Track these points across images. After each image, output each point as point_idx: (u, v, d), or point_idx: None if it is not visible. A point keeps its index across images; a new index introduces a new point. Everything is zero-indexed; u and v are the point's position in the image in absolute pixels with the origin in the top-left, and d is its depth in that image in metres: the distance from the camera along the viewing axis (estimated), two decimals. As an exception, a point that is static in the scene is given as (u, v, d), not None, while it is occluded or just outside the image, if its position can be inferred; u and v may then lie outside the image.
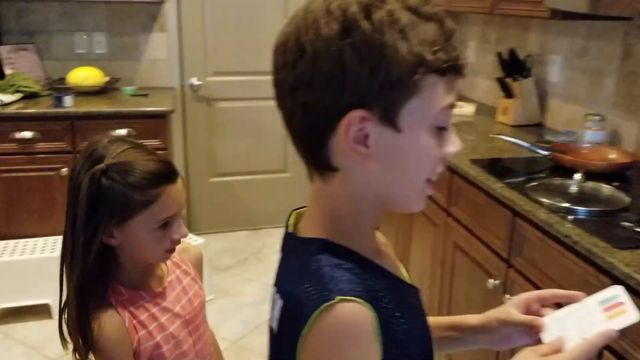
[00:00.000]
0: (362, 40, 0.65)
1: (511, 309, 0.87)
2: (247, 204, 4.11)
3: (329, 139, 0.69)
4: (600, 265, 1.49)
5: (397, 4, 0.67)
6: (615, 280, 1.45)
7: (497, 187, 1.99)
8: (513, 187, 1.96)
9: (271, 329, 0.78)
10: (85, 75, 3.46)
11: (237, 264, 3.69)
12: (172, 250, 1.24)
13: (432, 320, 0.95)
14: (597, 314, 0.79)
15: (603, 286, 1.48)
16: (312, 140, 0.70)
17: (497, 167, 2.25)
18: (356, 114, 0.66)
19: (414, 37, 0.66)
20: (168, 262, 1.33)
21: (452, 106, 0.70)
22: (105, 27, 3.68)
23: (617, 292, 0.81)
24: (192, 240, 3.17)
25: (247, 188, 4.11)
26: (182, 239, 1.24)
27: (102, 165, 1.12)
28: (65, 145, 3.14)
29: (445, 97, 0.69)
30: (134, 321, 1.19)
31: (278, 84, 0.72)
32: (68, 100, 3.15)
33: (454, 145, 0.73)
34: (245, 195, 4.11)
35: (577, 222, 1.67)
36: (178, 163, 3.88)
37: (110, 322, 1.16)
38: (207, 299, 3.12)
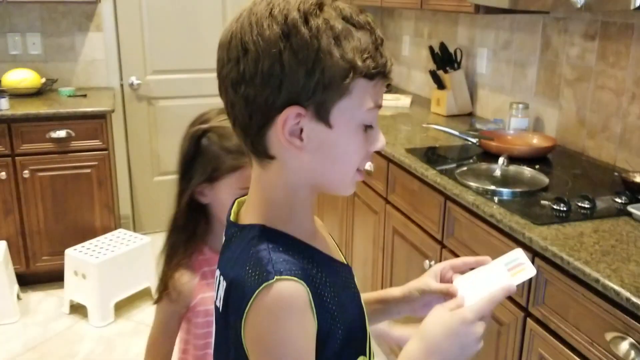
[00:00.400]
0: (301, 44, 0.71)
1: (429, 279, 0.96)
2: (192, 202, 4.12)
3: (267, 130, 0.76)
4: (521, 240, 1.62)
5: (333, 13, 0.74)
6: (534, 252, 1.59)
7: (430, 173, 2.11)
8: (444, 173, 2.08)
9: (217, 308, 0.85)
10: (20, 77, 3.41)
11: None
12: None
13: (362, 296, 1.04)
14: (503, 273, 0.91)
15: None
16: (251, 130, 0.77)
17: (430, 155, 2.38)
18: (292, 110, 0.73)
19: (346, 45, 0.73)
20: None
21: (378, 107, 0.79)
22: (39, 27, 3.62)
23: (517, 254, 0.94)
24: (139, 240, 3.18)
25: (191, 186, 4.12)
26: None
27: (205, 126, 1.23)
28: (2, 149, 3.09)
29: (372, 99, 0.77)
30: (203, 282, 1.26)
31: (222, 78, 0.78)
32: (3, 103, 3.09)
33: (379, 142, 0.82)
34: (190, 193, 4.12)
35: (501, 203, 1.81)
36: (120, 163, 3.87)
37: (182, 277, 1.25)
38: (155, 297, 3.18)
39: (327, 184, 0.82)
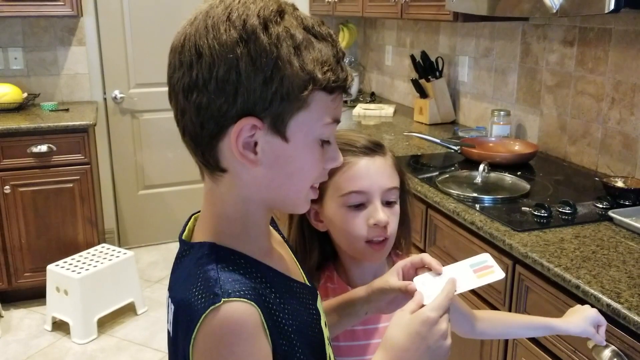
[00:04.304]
0: (259, 51, 0.68)
1: (390, 276, 0.93)
2: (177, 215, 4.08)
3: (219, 141, 0.72)
4: (501, 247, 1.61)
5: (294, 22, 0.72)
6: (514, 259, 1.57)
7: (411, 182, 2.09)
8: (426, 182, 2.07)
9: (168, 333, 0.81)
10: (1, 92, 3.37)
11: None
12: (378, 243, 1.05)
13: (326, 304, 1.00)
14: (468, 274, 0.89)
15: (506, 266, 1.60)
16: (202, 140, 0.73)
17: (412, 163, 2.36)
18: (248, 122, 0.69)
19: (307, 55, 0.70)
20: None
21: (337, 122, 0.76)
22: (21, 42, 3.59)
23: (485, 258, 0.92)
24: (122, 254, 3.14)
25: (176, 199, 4.09)
26: (387, 227, 1.04)
27: None
28: (-17, 164, 3.05)
29: (331, 113, 0.75)
30: None
31: (172, 84, 0.74)
32: (-17, 118, 3.06)
33: (335, 160, 0.79)
34: (176, 206, 4.09)
35: (482, 210, 1.79)
36: (105, 177, 3.83)
37: None
38: (139, 312, 3.14)
39: (280, 200, 0.78)
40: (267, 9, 0.71)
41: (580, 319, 1.19)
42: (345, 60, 0.77)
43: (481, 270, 0.90)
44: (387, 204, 1.06)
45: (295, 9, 0.75)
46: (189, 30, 0.72)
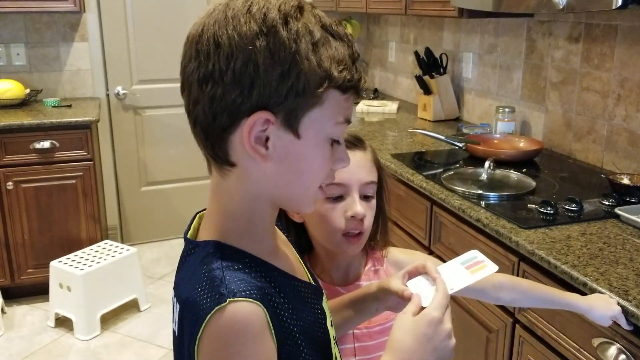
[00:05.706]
0: (279, 45, 0.68)
1: (393, 279, 0.94)
2: (180, 212, 4.09)
3: (230, 134, 0.72)
4: (508, 244, 1.60)
5: (313, 19, 0.72)
6: (520, 256, 1.57)
7: (416, 178, 2.08)
8: (430, 178, 2.06)
9: (174, 332, 0.81)
10: (4, 88, 3.37)
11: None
12: (354, 236, 1.07)
13: (336, 301, 1.00)
14: (461, 271, 0.91)
15: (512, 264, 1.60)
16: (213, 132, 0.72)
17: (416, 160, 2.35)
18: (262, 116, 0.69)
19: (324, 53, 0.70)
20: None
21: (348, 122, 0.76)
22: (23, 38, 3.58)
23: (475, 254, 0.93)
24: (125, 250, 3.14)
25: (179, 196, 4.09)
26: (364, 221, 1.06)
27: None
28: (-15, 161, 3.05)
29: (343, 112, 0.74)
30: None
31: (186, 74, 0.73)
32: (-14, 114, 3.05)
33: (343, 160, 0.78)
34: (178, 203, 4.09)
35: (487, 207, 1.78)
36: (107, 173, 3.83)
37: None
38: (142, 308, 3.14)
39: (287, 197, 0.78)
40: (287, 4, 0.71)
41: (605, 311, 1.24)
42: (359, 61, 0.76)
43: (473, 266, 0.91)
44: (365, 197, 1.08)
45: (313, 7, 0.75)
46: (207, 21, 0.72)
